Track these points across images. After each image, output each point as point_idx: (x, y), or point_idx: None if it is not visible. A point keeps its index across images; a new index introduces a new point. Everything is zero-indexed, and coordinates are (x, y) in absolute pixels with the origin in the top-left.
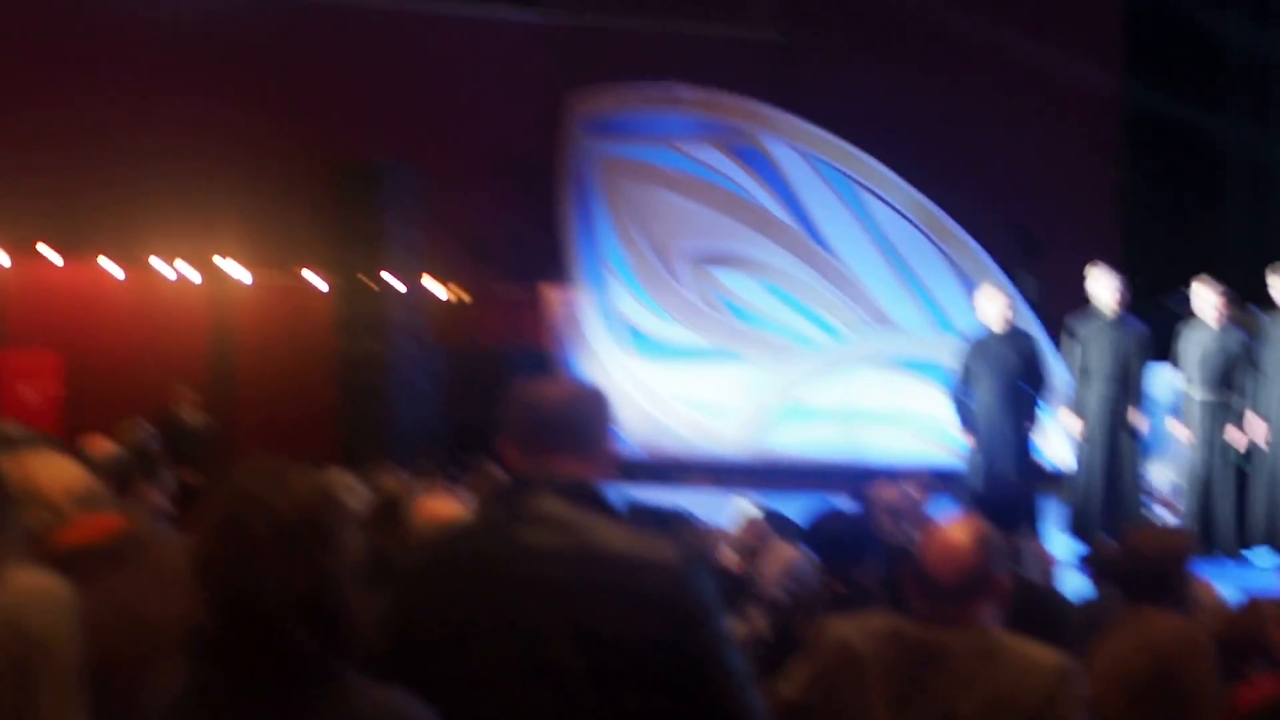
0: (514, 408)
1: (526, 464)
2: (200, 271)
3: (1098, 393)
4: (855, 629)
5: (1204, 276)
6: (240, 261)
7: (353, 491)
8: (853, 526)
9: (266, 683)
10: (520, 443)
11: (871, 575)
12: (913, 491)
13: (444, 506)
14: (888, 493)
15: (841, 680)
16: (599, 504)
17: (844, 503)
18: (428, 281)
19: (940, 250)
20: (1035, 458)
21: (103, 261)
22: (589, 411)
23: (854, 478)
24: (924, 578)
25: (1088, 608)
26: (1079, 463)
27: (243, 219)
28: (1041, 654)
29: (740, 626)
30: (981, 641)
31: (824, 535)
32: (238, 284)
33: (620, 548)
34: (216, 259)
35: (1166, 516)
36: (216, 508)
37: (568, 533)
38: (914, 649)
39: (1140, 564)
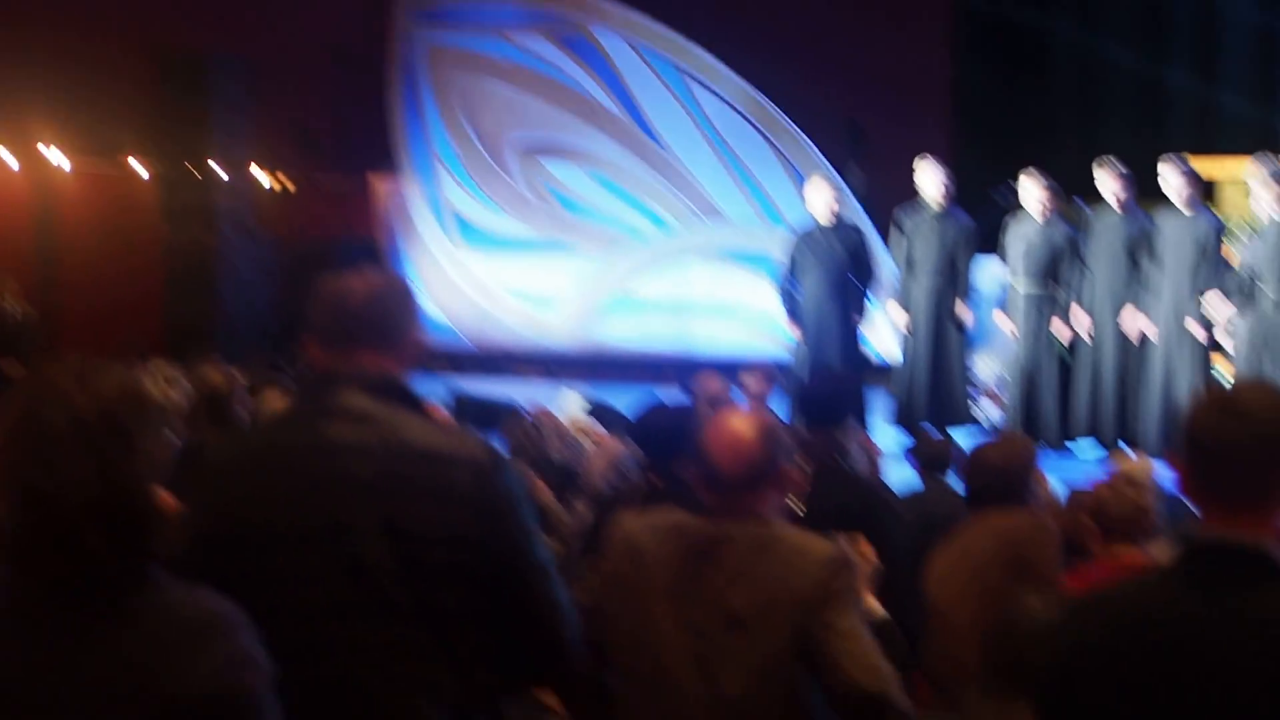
0: (318, 302)
1: (331, 359)
2: (20, 159)
3: (923, 285)
4: (642, 525)
5: (1030, 170)
6: (63, 149)
7: (176, 384)
8: (675, 420)
9: (68, 585)
10: (324, 338)
11: (690, 469)
12: (753, 383)
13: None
14: (712, 385)
15: (627, 577)
16: (404, 398)
17: (671, 395)
18: (254, 171)
19: (769, 143)
20: (862, 350)
21: None
22: (393, 304)
23: (682, 370)
24: (708, 469)
25: (915, 501)
26: (905, 355)
27: (65, 106)
28: (815, 544)
29: (566, 519)
30: (759, 533)
31: (646, 428)
32: (60, 171)
33: (425, 442)
34: (40, 146)
35: (991, 408)
36: (17, 402)
37: (373, 428)
38: (694, 543)
39: (988, 477)
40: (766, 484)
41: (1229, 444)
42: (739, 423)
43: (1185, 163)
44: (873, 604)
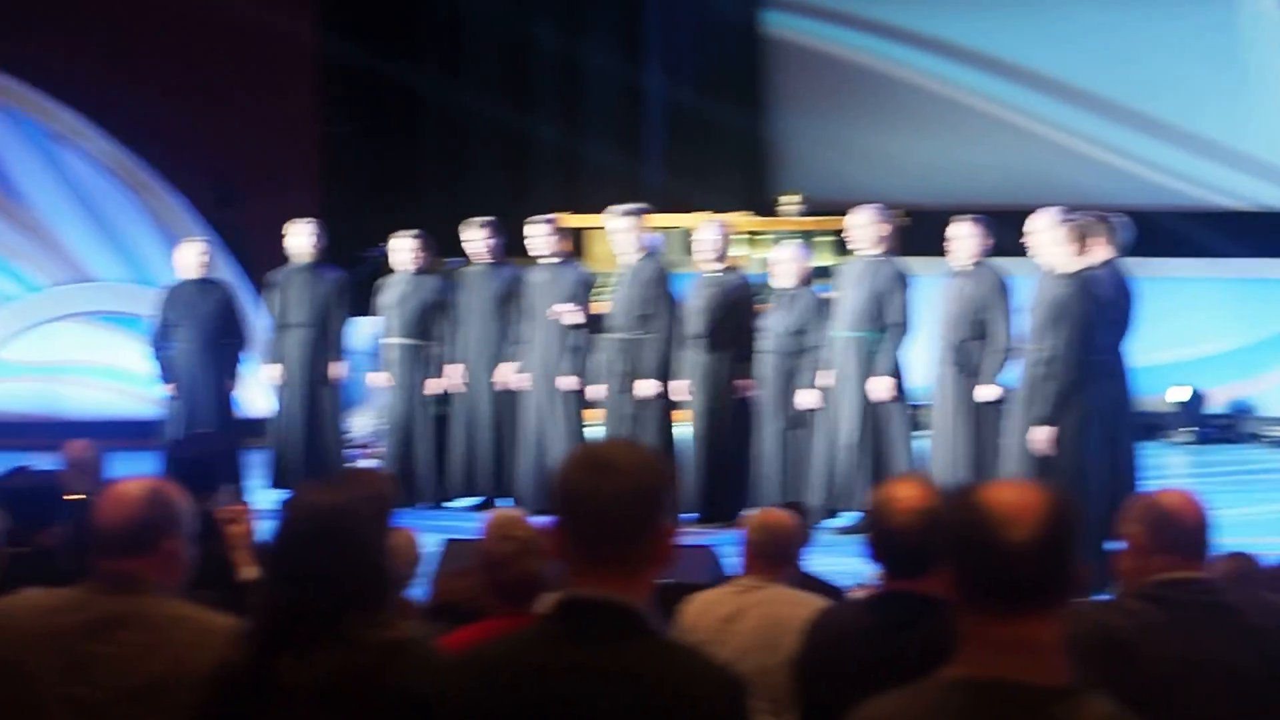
0: None
1: None
2: None
3: (296, 342)
4: (14, 605)
5: (402, 232)
6: None
7: None
8: (41, 484)
9: None
10: None
11: (57, 537)
12: (76, 450)
13: None
14: (79, 449)
15: (3, 665)
16: None
17: (40, 461)
18: None
19: (140, 202)
20: (236, 410)
21: None
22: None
23: (53, 434)
24: (98, 536)
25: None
26: (280, 413)
27: None
28: (219, 621)
29: None
30: (155, 608)
31: (10, 493)
32: None
33: None
34: None
35: (370, 464)
36: None
37: None
38: (86, 618)
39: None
40: (156, 552)
41: (596, 501)
42: (128, 486)
43: (551, 221)
44: (249, 567)
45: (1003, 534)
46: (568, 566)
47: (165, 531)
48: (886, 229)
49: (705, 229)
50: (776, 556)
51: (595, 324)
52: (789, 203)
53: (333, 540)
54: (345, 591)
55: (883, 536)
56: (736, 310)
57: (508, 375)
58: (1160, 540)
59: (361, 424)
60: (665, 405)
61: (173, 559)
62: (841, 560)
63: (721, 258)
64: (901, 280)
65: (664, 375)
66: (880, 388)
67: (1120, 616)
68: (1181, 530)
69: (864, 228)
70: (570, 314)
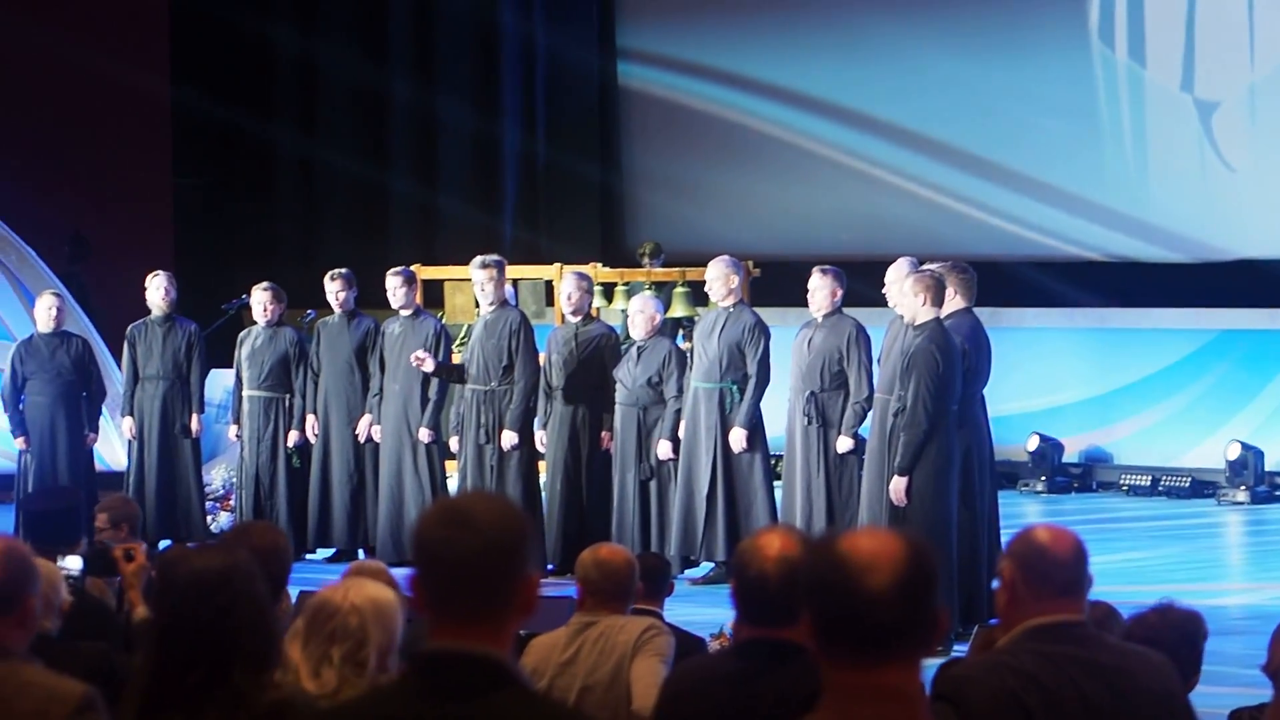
0: None
1: None
2: None
3: (152, 395)
4: None
5: (263, 283)
6: None
7: None
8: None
9: None
10: None
11: None
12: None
13: None
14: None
15: None
16: None
17: None
18: None
19: None
20: (93, 463)
21: None
22: None
23: None
24: None
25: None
26: (135, 465)
27: None
28: (64, 685)
29: None
30: (11, 675)
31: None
32: None
33: None
34: None
35: (225, 515)
36: None
37: None
38: None
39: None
40: (16, 611)
41: (455, 554)
42: None
43: (408, 273)
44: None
45: (862, 581)
46: (429, 620)
47: (26, 589)
48: (737, 280)
49: (566, 280)
50: (609, 592)
51: (456, 374)
52: (643, 254)
53: (225, 596)
54: (236, 648)
55: (747, 584)
56: (596, 362)
57: (365, 427)
58: (1034, 577)
59: (217, 475)
60: (526, 456)
61: (30, 618)
62: (699, 610)
63: (582, 309)
64: (758, 330)
65: (524, 426)
66: (738, 438)
67: (1019, 679)
68: (1055, 566)
69: (717, 280)
70: (430, 361)
